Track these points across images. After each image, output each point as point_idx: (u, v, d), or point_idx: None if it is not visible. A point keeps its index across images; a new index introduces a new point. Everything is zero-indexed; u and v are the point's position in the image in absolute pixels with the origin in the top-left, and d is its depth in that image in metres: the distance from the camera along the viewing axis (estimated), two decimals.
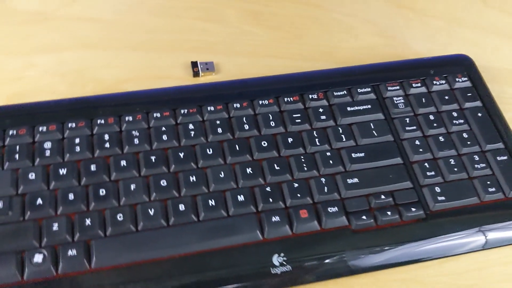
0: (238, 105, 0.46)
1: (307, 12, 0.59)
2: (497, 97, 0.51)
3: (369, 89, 0.48)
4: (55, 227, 0.39)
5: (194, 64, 0.52)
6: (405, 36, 0.57)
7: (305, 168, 0.43)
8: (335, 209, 0.42)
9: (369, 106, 0.47)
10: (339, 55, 0.55)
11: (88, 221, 0.40)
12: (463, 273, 0.42)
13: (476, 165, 0.45)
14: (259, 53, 0.55)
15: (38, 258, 0.38)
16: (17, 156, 0.42)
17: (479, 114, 0.48)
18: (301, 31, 0.57)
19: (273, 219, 0.41)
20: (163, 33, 0.55)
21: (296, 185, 0.43)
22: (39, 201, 0.40)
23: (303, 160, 0.44)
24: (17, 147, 0.42)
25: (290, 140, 0.45)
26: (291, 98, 0.47)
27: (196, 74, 0.51)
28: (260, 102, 0.47)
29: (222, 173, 0.43)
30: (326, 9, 0.59)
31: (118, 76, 0.51)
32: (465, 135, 0.46)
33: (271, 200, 0.42)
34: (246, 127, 0.45)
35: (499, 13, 0.61)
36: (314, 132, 0.46)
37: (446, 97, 0.48)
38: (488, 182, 0.44)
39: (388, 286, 0.41)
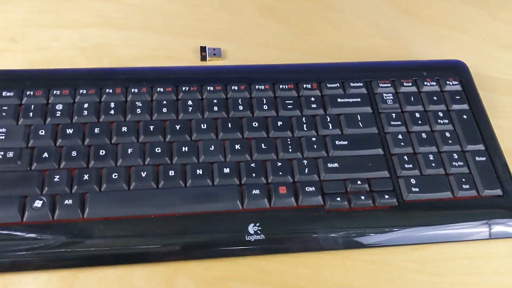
0: (236, 88, 0.50)
1: (318, 11, 0.62)
2: (489, 104, 0.53)
3: (361, 84, 0.51)
4: (57, 178, 0.43)
5: (202, 49, 0.55)
6: (408, 41, 0.60)
7: (290, 150, 0.47)
8: (312, 188, 0.45)
9: (359, 100, 0.50)
10: (342, 53, 0.58)
11: (86, 176, 0.44)
12: (430, 262, 0.44)
13: (454, 163, 0.47)
14: (267, 44, 0.58)
15: (38, 203, 0.42)
16: (31, 114, 0.47)
17: (465, 116, 0.50)
18: (310, 28, 0.60)
19: (253, 191, 0.44)
20: (180, 19, 0.59)
21: (279, 164, 0.46)
22: (46, 155, 0.45)
23: (289, 142, 0.47)
24: (32, 106, 0.47)
25: (279, 123, 0.48)
26: (286, 86, 0.51)
27: (203, 58, 0.55)
28: (257, 86, 0.50)
29: (213, 146, 0.46)
30: (337, 9, 0.62)
31: (132, 54, 0.55)
32: (447, 134, 0.49)
33: (254, 175, 0.45)
34: (241, 108, 0.49)
35: (505, 26, 0.62)
36: (303, 118, 0.49)
37: (435, 98, 0.51)
38: (463, 180, 0.46)
39: (355, 265, 0.44)
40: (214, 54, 0.55)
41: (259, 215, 0.43)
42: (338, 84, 0.51)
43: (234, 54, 0.57)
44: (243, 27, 0.59)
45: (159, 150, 0.46)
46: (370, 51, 0.59)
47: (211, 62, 0.55)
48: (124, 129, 0.47)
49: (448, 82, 0.52)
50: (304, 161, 0.46)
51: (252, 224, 0.43)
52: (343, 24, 0.61)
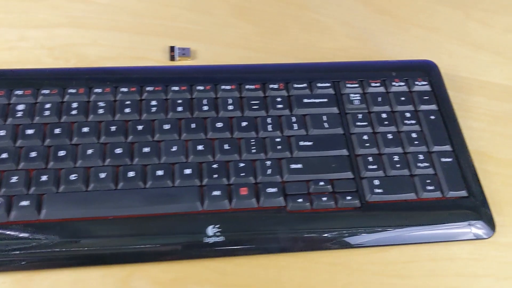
0: (202, 88, 0.50)
1: (290, 11, 0.61)
2: (459, 104, 0.53)
3: (329, 84, 0.51)
4: (14, 179, 0.43)
5: (171, 49, 0.55)
6: (381, 41, 0.59)
7: (253, 151, 0.46)
8: (274, 190, 0.44)
9: (326, 100, 0.50)
10: (313, 53, 0.57)
11: (44, 177, 0.43)
12: (391, 264, 0.44)
13: (419, 164, 0.46)
14: (237, 44, 0.58)
15: None
16: None
17: (432, 117, 0.49)
18: (280, 28, 0.60)
19: (214, 193, 0.43)
20: (150, 18, 0.59)
21: (242, 164, 0.45)
22: (4, 155, 0.44)
23: (252, 143, 0.46)
24: None
25: (244, 123, 0.48)
26: (253, 86, 0.50)
27: (172, 58, 0.55)
28: (222, 87, 0.50)
29: (175, 147, 0.46)
30: (309, 9, 0.62)
31: (101, 53, 0.55)
32: (414, 135, 0.48)
33: (215, 176, 0.44)
34: (205, 108, 0.48)
35: (479, 26, 0.62)
36: (268, 119, 0.48)
37: (402, 98, 0.50)
38: (428, 181, 0.46)
39: (316, 267, 0.43)
40: (183, 54, 0.55)
41: (219, 217, 0.43)
42: (305, 85, 0.51)
43: (204, 54, 0.56)
44: (213, 27, 0.59)
45: (120, 151, 0.45)
46: (342, 52, 0.58)
47: (180, 62, 0.55)
48: (85, 129, 0.46)
49: (416, 83, 0.51)
50: (267, 162, 0.46)
51: (212, 226, 0.42)
52: (315, 24, 0.60)
